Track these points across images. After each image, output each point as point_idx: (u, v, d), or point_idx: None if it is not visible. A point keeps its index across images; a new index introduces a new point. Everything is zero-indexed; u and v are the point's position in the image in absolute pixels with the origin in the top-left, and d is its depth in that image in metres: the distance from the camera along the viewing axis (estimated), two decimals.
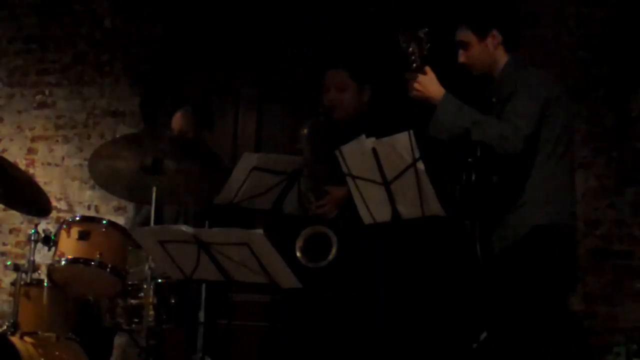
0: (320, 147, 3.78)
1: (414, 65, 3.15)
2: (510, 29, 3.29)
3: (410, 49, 3.14)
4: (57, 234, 3.68)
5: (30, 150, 6.04)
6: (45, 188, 4.52)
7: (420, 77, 3.16)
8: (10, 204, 4.00)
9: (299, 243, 3.60)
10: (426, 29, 3.14)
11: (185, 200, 4.10)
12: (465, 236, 3.33)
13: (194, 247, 3.10)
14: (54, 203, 5.26)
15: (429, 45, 3.13)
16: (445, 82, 3.24)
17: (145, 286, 3.55)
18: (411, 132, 3.09)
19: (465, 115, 3.10)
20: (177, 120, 4.36)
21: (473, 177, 3.19)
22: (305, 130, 3.81)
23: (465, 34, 3.26)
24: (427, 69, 3.17)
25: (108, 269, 3.58)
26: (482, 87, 3.36)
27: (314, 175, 3.78)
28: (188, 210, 4.27)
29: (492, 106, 3.26)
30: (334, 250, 3.54)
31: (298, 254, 3.57)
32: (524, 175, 3.13)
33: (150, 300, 3.57)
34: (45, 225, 3.99)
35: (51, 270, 3.63)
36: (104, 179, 3.82)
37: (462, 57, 3.29)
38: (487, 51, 3.25)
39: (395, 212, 3.22)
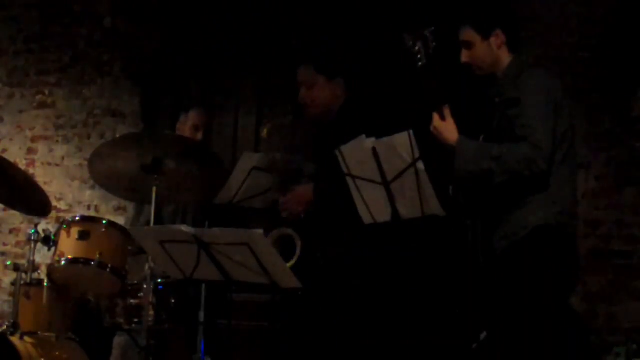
0: (282, 147, 3.76)
1: (420, 64, 3.14)
2: (514, 29, 3.28)
3: (417, 47, 3.14)
4: (57, 234, 3.68)
5: (30, 150, 6.05)
6: (45, 188, 4.51)
7: (437, 122, 3.15)
8: (10, 204, 4.00)
9: None
10: (432, 28, 3.14)
11: (185, 200, 4.10)
12: (465, 236, 3.33)
13: (194, 247, 3.10)
14: (54, 203, 5.26)
15: (434, 44, 3.13)
16: (450, 81, 3.24)
17: (145, 286, 3.55)
18: (411, 132, 3.09)
19: (483, 155, 3.06)
20: (198, 117, 4.35)
21: None
22: (265, 132, 3.78)
23: (468, 34, 3.25)
24: (447, 113, 3.16)
25: (108, 269, 3.58)
26: (486, 86, 3.35)
27: (279, 176, 3.76)
28: (188, 210, 4.27)
29: (496, 106, 3.26)
30: (297, 253, 3.51)
31: None
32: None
33: (150, 300, 3.57)
34: (45, 225, 3.98)
35: (51, 270, 3.63)
36: (104, 179, 3.82)
37: (465, 57, 3.28)
38: (491, 51, 3.24)
39: (395, 212, 3.22)
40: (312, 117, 3.86)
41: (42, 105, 6.07)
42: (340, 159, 3.27)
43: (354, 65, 4.44)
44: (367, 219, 3.33)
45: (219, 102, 5.68)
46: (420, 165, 3.10)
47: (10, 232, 5.95)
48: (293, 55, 5.39)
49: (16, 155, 5.92)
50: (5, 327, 3.53)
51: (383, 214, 3.26)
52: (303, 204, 3.71)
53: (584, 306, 4.61)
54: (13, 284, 3.69)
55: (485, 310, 3.25)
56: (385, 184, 3.19)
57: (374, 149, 3.15)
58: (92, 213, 5.69)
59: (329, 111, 3.84)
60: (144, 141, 3.71)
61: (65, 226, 3.66)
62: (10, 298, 3.78)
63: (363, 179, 3.24)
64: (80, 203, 5.85)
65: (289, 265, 3.47)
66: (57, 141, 5.99)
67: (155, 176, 3.64)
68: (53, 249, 3.69)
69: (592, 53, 4.85)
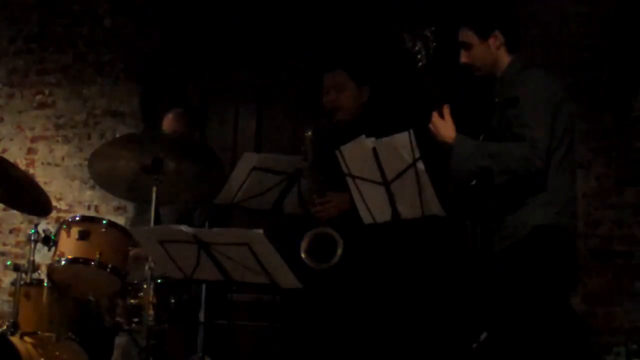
0: (324, 149, 3.77)
1: (420, 64, 3.15)
2: (513, 30, 3.28)
3: (417, 47, 3.14)
4: (57, 234, 3.68)
5: (30, 150, 6.04)
6: (45, 188, 4.50)
7: (436, 120, 3.15)
8: (10, 204, 4.00)
9: (303, 244, 3.57)
10: (432, 28, 3.14)
11: (185, 200, 4.10)
12: (465, 236, 3.33)
13: (194, 247, 3.10)
14: (54, 203, 5.25)
15: (434, 43, 3.13)
16: (451, 81, 3.24)
17: (145, 286, 3.55)
18: (411, 131, 3.09)
19: (481, 153, 3.06)
20: (170, 122, 4.35)
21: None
22: (310, 133, 3.78)
23: (467, 35, 3.25)
24: (446, 111, 3.15)
25: (108, 269, 3.59)
26: (485, 87, 3.35)
27: (317, 177, 3.76)
28: (190, 210, 4.27)
29: (495, 106, 3.26)
30: (339, 252, 3.51)
31: (303, 255, 3.54)
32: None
33: (150, 300, 3.57)
34: (45, 225, 3.98)
35: (51, 270, 3.63)
36: (104, 179, 3.82)
37: (464, 58, 3.28)
38: (489, 52, 3.24)
39: (395, 212, 3.22)
40: (340, 121, 3.88)
41: (42, 105, 6.06)
42: (340, 159, 3.27)
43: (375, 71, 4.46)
44: (367, 219, 3.33)
45: (218, 102, 5.67)
46: (421, 165, 3.10)
47: (10, 232, 5.95)
48: (293, 55, 5.42)
49: (16, 155, 5.92)
50: (5, 327, 3.54)
51: (383, 214, 3.26)
52: (339, 210, 3.70)
53: (584, 306, 4.60)
54: (13, 284, 3.69)
55: (485, 310, 3.25)
56: (386, 184, 3.19)
57: (374, 149, 3.15)
58: (92, 213, 5.68)
59: (354, 117, 3.87)
60: (144, 141, 3.71)
61: (65, 226, 3.66)
62: (10, 298, 3.79)
63: (363, 179, 3.24)
64: (80, 203, 5.84)
65: (330, 264, 3.48)
66: (57, 141, 5.99)
67: (155, 176, 3.64)
68: (53, 249, 3.69)
69: (593, 53, 4.84)
